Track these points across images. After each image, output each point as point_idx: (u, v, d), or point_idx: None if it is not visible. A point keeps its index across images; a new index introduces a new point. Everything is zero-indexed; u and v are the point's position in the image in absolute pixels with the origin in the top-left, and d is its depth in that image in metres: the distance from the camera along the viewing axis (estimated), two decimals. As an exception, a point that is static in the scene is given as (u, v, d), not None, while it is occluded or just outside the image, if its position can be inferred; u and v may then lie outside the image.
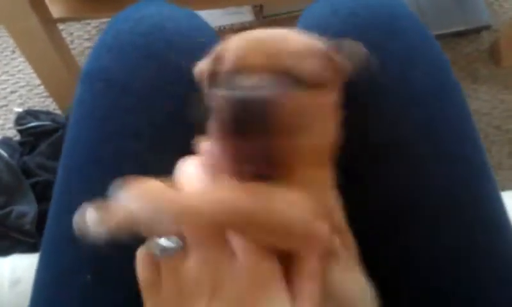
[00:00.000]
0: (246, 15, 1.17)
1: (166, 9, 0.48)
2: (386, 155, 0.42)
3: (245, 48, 0.34)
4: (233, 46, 0.35)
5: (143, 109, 0.44)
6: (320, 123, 0.34)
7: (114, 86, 0.44)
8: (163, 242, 0.31)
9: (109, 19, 1.22)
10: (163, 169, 0.36)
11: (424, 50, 0.46)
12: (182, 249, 0.31)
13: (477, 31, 1.27)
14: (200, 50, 0.42)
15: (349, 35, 0.44)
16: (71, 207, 0.42)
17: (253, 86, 0.31)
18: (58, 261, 0.43)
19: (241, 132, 0.31)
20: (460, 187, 0.42)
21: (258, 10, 1.18)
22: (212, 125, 0.32)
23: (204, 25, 0.49)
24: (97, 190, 0.35)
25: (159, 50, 0.45)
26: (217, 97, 0.32)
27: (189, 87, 0.42)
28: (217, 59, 0.36)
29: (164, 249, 0.31)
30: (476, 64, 1.23)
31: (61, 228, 0.44)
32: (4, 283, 0.60)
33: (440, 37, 1.25)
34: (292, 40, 0.35)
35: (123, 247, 0.34)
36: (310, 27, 0.47)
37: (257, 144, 0.31)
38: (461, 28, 1.25)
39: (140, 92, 0.44)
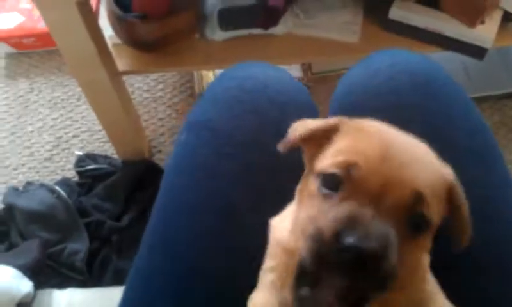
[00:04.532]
0: (295, 71, 1.22)
1: (270, 70, 0.51)
2: None
3: (381, 168, 0.31)
4: (373, 154, 0.32)
5: (242, 158, 0.46)
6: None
7: (219, 135, 0.47)
8: None
9: (164, 73, 1.29)
10: (255, 214, 0.39)
11: (463, 110, 0.47)
12: None
13: (526, 92, 1.26)
14: (297, 109, 0.46)
15: (386, 97, 0.46)
16: (165, 241, 0.46)
17: (368, 234, 0.29)
18: (144, 293, 0.45)
19: (341, 273, 0.30)
20: (501, 246, 0.43)
21: (307, 67, 1.23)
22: (309, 254, 0.31)
23: (300, 85, 0.52)
24: (192, 225, 0.39)
25: (261, 106, 0.48)
26: (327, 232, 0.30)
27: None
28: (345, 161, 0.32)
29: None
30: (525, 125, 1.22)
31: (151, 261, 0.46)
32: (61, 315, 0.64)
33: (487, 98, 1.25)
34: (425, 168, 0.32)
35: (204, 281, 0.37)
36: (350, 88, 0.50)
37: (353, 287, 0.30)
38: (509, 90, 1.25)
39: (241, 143, 0.47)
